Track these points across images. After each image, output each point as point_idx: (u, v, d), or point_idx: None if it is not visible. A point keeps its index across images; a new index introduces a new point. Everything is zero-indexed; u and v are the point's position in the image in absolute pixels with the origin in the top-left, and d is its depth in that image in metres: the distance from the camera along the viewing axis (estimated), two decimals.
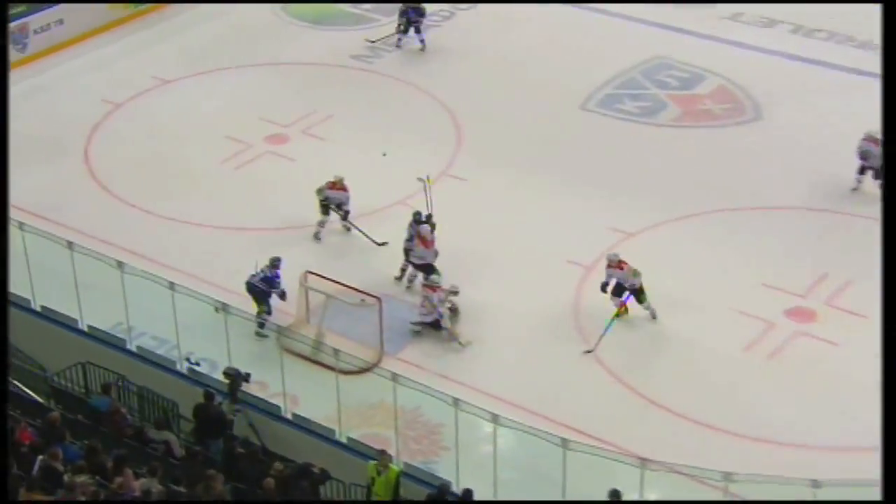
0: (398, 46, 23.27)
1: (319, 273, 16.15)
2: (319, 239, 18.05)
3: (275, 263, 16.32)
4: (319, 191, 17.96)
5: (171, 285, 15.25)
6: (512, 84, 21.72)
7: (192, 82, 22.51)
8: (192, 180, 19.69)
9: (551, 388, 15.34)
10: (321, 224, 18.08)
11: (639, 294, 16.17)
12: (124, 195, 19.26)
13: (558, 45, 23.33)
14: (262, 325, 15.98)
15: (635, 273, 16.07)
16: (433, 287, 16.20)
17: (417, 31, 23.21)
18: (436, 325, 16.14)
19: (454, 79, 22.28)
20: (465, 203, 18.71)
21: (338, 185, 18.00)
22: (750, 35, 23.37)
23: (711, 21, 23.84)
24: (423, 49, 23.15)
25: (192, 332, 15.47)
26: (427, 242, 16.83)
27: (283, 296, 16.23)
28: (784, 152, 19.95)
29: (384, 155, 19.65)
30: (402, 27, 23.24)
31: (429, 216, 17.13)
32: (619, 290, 16.21)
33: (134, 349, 15.78)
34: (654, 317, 16.35)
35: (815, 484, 12.37)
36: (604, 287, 16.26)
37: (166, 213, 18.80)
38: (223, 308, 15.09)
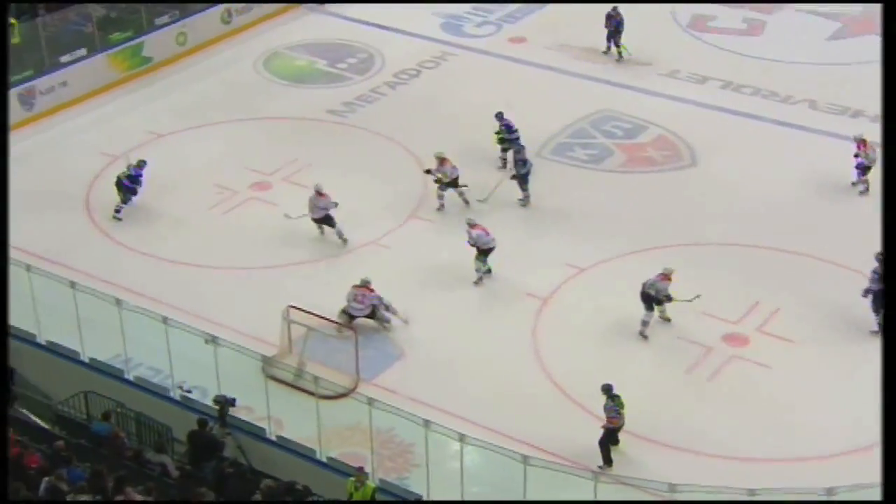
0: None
1: (302, 307, 16.09)
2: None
3: (140, 165, 19.33)
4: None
5: (165, 320, 15.17)
6: (475, 133, 21.73)
7: (183, 136, 22.45)
8: (184, 225, 19.62)
9: (512, 409, 15.35)
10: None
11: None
12: (123, 239, 19.15)
13: (516, 98, 23.45)
14: (118, 211, 19.24)
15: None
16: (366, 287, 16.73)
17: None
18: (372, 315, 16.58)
19: (420, 129, 22.26)
20: (431, 240, 18.87)
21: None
22: (685, 90, 23.63)
23: (651, 77, 24.08)
24: None
25: (185, 362, 15.36)
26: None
27: (135, 191, 19.21)
28: (716, 195, 20.16)
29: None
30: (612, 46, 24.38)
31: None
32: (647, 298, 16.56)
33: (132, 379, 15.66)
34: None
35: (751, 493, 12.41)
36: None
37: (160, 255, 18.71)
38: (212, 340, 15.01)
